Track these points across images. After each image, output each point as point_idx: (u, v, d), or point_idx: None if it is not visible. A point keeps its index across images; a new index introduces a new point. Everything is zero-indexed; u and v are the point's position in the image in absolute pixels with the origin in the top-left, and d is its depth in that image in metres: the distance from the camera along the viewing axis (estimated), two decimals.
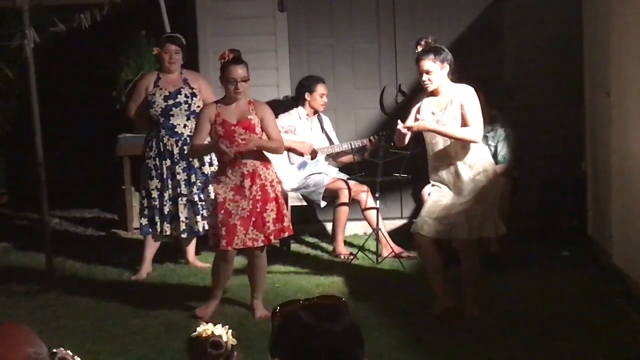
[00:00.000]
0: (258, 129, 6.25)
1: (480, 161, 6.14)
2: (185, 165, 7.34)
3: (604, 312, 6.25)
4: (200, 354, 3.34)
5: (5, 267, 7.83)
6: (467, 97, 6.10)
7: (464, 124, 6.05)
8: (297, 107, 8.15)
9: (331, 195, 7.96)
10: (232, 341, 3.29)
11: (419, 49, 6.14)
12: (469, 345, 5.73)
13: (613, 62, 6.55)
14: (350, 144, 8.10)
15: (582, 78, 7.70)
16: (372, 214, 7.82)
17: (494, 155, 7.50)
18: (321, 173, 8.09)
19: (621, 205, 6.53)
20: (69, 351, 2.72)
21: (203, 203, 7.34)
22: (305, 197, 8.09)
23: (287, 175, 8.03)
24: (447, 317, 6.10)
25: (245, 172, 6.22)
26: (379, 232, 7.71)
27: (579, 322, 6.05)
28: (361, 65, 8.63)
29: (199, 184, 7.34)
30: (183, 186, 7.33)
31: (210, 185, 7.30)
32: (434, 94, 6.14)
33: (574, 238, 7.71)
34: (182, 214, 7.33)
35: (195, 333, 3.35)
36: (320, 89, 8.07)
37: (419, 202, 8.11)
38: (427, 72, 6.04)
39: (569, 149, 8.19)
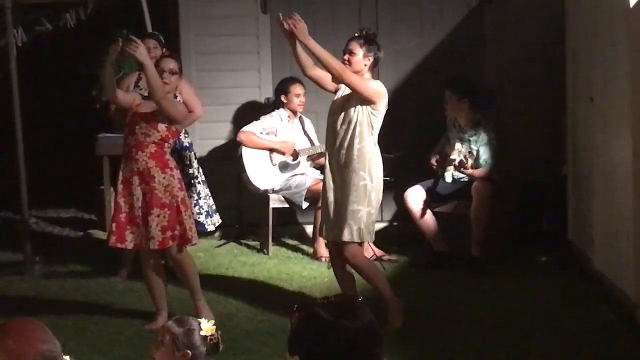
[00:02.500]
0: (162, 127, 6.02)
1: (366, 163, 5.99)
2: None
3: (584, 315, 6.30)
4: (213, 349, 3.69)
5: None
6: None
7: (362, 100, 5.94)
8: (278, 109, 8.16)
9: (313, 197, 7.94)
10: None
11: (357, 34, 6.12)
12: (451, 346, 5.77)
13: (597, 67, 6.58)
14: None
15: (564, 82, 7.73)
16: None
17: (476, 159, 7.54)
18: (303, 174, 8.09)
19: (603, 210, 6.56)
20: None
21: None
22: (287, 199, 8.07)
23: (269, 176, 8.02)
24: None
25: (135, 170, 6.05)
26: None
27: (558, 325, 6.10)
28: None
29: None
30: None
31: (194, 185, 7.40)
32: None
33: (554, 242, 7.75)
34: None
35: (204, 332, 3.72)
36: (294, 89, 8.05)
37: (401, 206, 8.14)
38: (350, 52, 6.00)
39: (550, 153, 8.23)
